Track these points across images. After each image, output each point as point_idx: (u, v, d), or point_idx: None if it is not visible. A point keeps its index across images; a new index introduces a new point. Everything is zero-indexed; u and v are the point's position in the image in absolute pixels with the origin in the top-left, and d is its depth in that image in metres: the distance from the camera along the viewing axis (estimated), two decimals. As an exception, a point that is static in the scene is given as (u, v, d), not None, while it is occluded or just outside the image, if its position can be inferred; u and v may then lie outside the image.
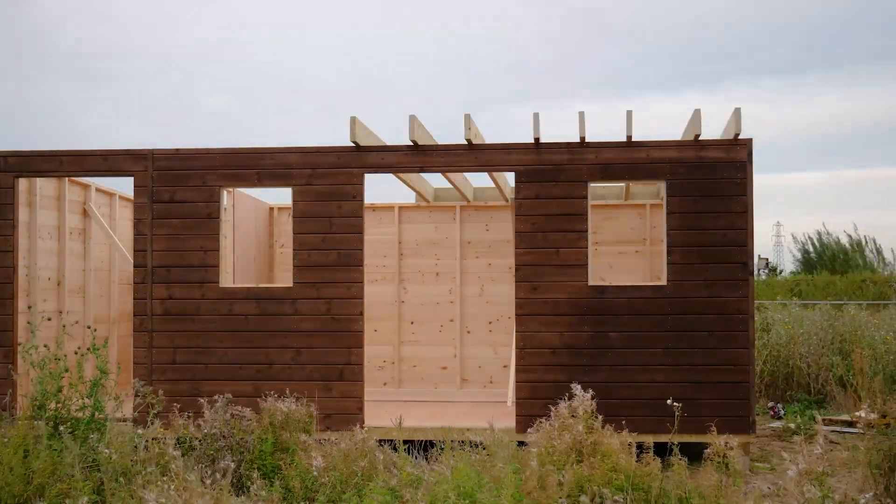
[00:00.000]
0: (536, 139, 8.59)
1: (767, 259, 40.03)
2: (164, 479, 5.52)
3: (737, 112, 8.32)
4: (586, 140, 8.57)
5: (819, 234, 36.00)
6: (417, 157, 8.86)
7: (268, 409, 7.14)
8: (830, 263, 33.56)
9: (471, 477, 5.40)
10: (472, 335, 11.52)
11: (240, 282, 10.27)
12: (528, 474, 5.62)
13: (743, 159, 8.44)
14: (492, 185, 11.25)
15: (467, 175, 10.94)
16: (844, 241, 34.86)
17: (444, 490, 5.40)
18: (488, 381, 11.42)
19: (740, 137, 8.47)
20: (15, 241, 8.90)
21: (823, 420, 10.40)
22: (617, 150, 8.61)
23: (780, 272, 39.45)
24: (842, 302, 18.50)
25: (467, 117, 8.52)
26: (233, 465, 6.06)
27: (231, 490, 6.05)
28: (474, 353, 11.50)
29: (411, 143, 8.90)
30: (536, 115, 8.48)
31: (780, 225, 65.82)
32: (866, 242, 34.42)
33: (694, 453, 7.37)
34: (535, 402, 8.34)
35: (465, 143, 8.81)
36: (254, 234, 11.29)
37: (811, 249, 35.82)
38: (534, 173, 8.63)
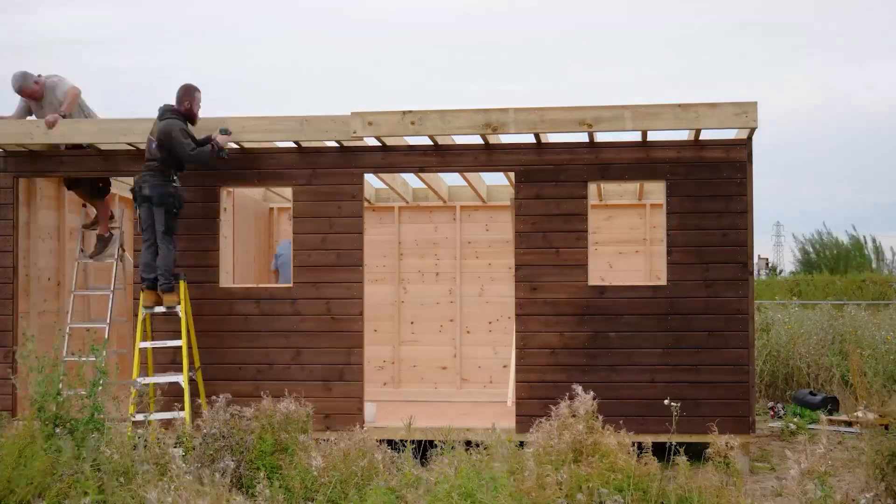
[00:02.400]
0: (537, 137, 8.58)
1: (767, 259, 40.02)
2: (164, 478, 5.52)
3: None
4: (586, 139, 8.57)
5: (819, 233, 35.91)
6: (416, 157, 8.86)
7: (265, 410, 7.14)
8: (833, 263, 33.37)
9: (471, 477, 5.40)
10: (471, 335, 11.51)
11: (240, 282, 10.27)
12: (527, 474, 5.63)
13: (743, 159, 8.44)
14: (499, 183, 11.24)
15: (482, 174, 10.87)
16: (844, 240, 34.69)
17: (446, 490, 5.40)
18: (488, 382, 11.41)
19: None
20: (15, 242, 8.90)
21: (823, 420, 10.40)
22: (617, 149, 8.61)
23: (780, 272, 39.42)
24: (841, 302, 18.49)
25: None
26: (232, 465, 6.06)
27: (231, 489, 6.06)
28: (474, 353, 11.48)
29: (409, 144, 8.90)
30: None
31: (780, 225, 65.80)
32: (865, 241, 34.26)
33: (694, 453, 7.37)
34: (534, 402, 8.33)
35: (465, 143, 8.81)
36: (254, 235, 11.29)
37: (811, 249, 35.71)
38: (533, 173, 8.63)
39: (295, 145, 8.82)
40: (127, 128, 8.63)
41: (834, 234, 36.15)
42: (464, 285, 11.54)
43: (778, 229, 65.97)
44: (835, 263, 33.39)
